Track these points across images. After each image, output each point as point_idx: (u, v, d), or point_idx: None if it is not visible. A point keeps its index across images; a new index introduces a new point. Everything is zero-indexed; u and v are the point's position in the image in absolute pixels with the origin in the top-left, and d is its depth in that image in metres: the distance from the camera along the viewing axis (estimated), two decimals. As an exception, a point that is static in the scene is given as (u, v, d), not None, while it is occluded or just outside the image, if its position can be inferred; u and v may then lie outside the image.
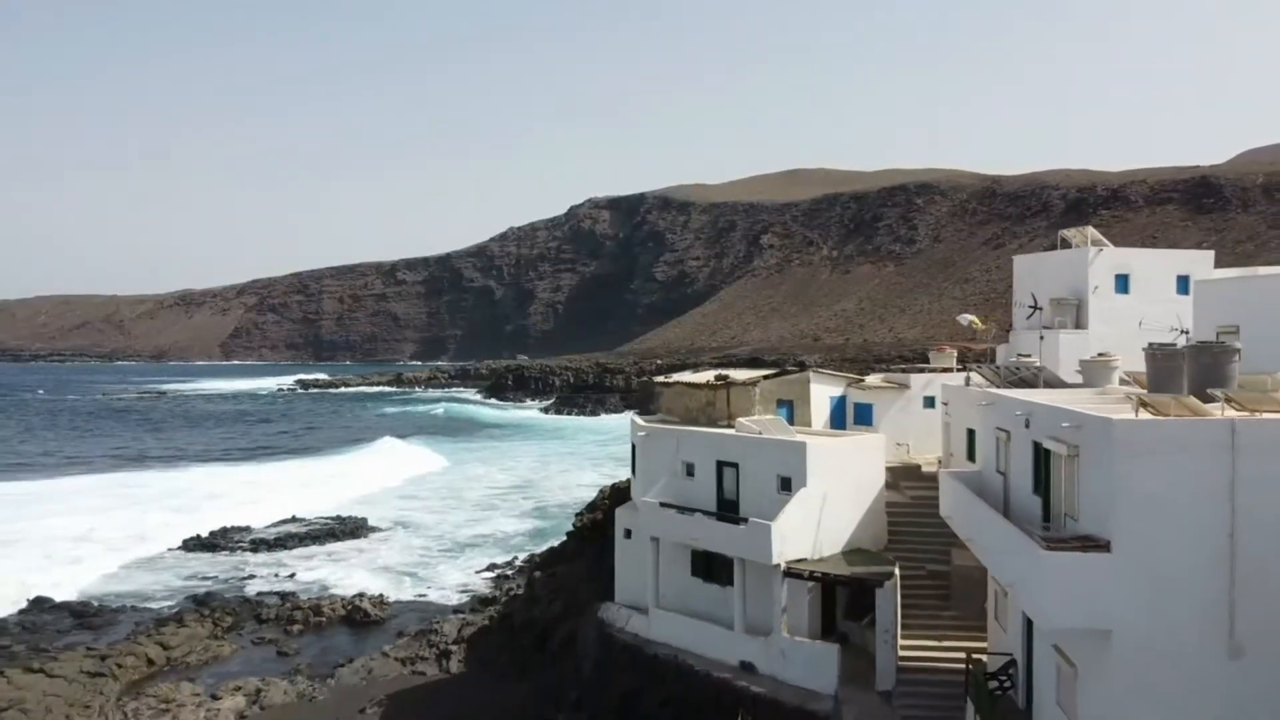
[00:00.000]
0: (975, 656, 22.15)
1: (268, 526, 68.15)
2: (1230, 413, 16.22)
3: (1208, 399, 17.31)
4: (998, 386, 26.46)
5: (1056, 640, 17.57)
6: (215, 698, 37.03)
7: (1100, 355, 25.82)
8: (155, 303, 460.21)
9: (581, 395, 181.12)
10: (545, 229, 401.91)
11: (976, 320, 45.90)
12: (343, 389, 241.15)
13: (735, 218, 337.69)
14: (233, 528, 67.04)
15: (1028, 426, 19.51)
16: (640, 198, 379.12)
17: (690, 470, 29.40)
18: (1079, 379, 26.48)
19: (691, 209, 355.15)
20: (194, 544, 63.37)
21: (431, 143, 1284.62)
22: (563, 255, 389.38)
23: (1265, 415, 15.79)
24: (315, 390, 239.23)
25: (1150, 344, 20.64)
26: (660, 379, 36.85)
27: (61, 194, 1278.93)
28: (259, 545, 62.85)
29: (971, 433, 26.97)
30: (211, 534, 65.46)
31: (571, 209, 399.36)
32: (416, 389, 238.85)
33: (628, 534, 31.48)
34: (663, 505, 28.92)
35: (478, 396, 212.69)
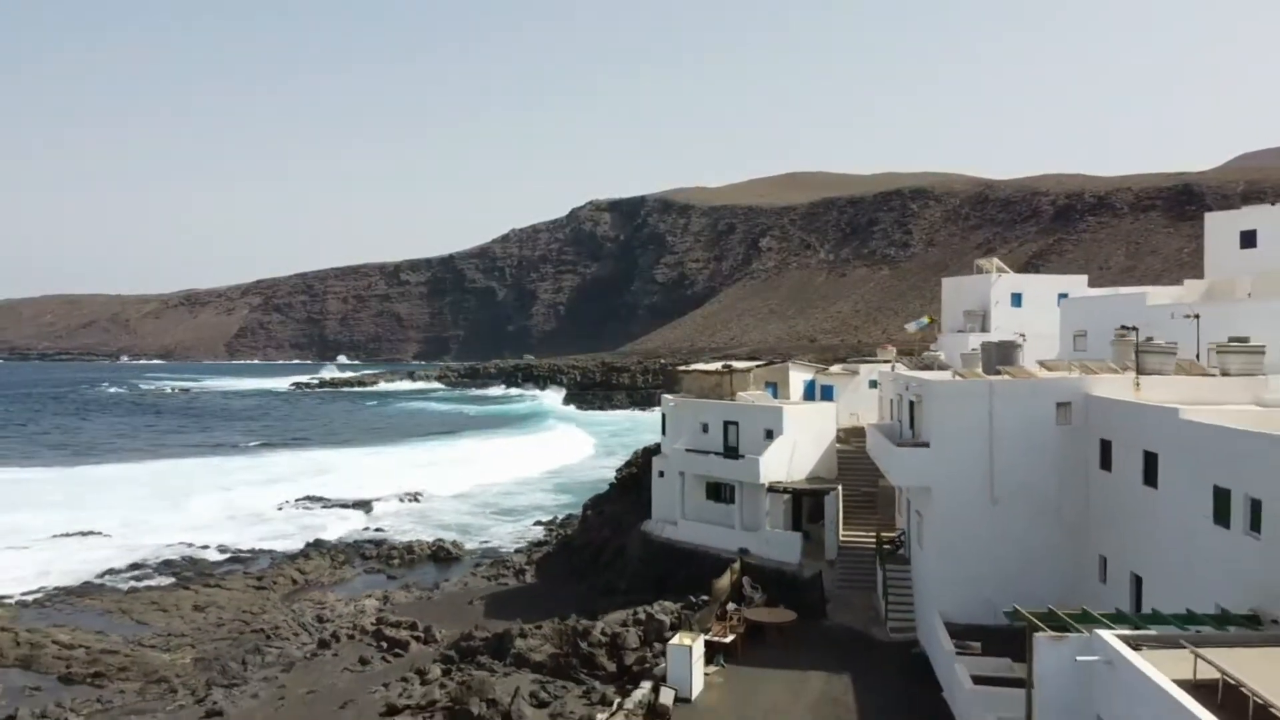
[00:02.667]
0: (882, 535, 37.10)
1: (348, 494, 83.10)
2: (1005, 378, 31.00)
3: (998, 372, 32.17)
4: (911, 371, 41.31)
5: (917, 507, 32.47)
6: (355, 600, 51.73)
7: (974, 350, 40.62)
8: (160, 302, 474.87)
9: (588, 393, 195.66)
10: (547, 231, 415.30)
11: (928, 319, 60.98)
12: (374, 387, 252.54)
13: (734, 220, 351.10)
14: (316, 496, 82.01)
15: (907, 390, 34.35)
16: (641, 200, 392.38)
17: (705, 428, 44.17)
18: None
19: (691, 212, 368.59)
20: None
21: (434, 144, 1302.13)
22: (564, 257, 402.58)
23: (1014, 378, 30.57)
24: (328, 389, 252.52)
25: (982, 343, 35.55)
26: (682, 368, 51.78)
27: (65, 194, 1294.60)
28: (345, 505, 77.88)
29: (892, 401, 41.72)
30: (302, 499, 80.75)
31: (573, 211, 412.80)
32: (435, 385, 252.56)
33: (660, 474, 46.23)
34: (688, 451, 43.71)
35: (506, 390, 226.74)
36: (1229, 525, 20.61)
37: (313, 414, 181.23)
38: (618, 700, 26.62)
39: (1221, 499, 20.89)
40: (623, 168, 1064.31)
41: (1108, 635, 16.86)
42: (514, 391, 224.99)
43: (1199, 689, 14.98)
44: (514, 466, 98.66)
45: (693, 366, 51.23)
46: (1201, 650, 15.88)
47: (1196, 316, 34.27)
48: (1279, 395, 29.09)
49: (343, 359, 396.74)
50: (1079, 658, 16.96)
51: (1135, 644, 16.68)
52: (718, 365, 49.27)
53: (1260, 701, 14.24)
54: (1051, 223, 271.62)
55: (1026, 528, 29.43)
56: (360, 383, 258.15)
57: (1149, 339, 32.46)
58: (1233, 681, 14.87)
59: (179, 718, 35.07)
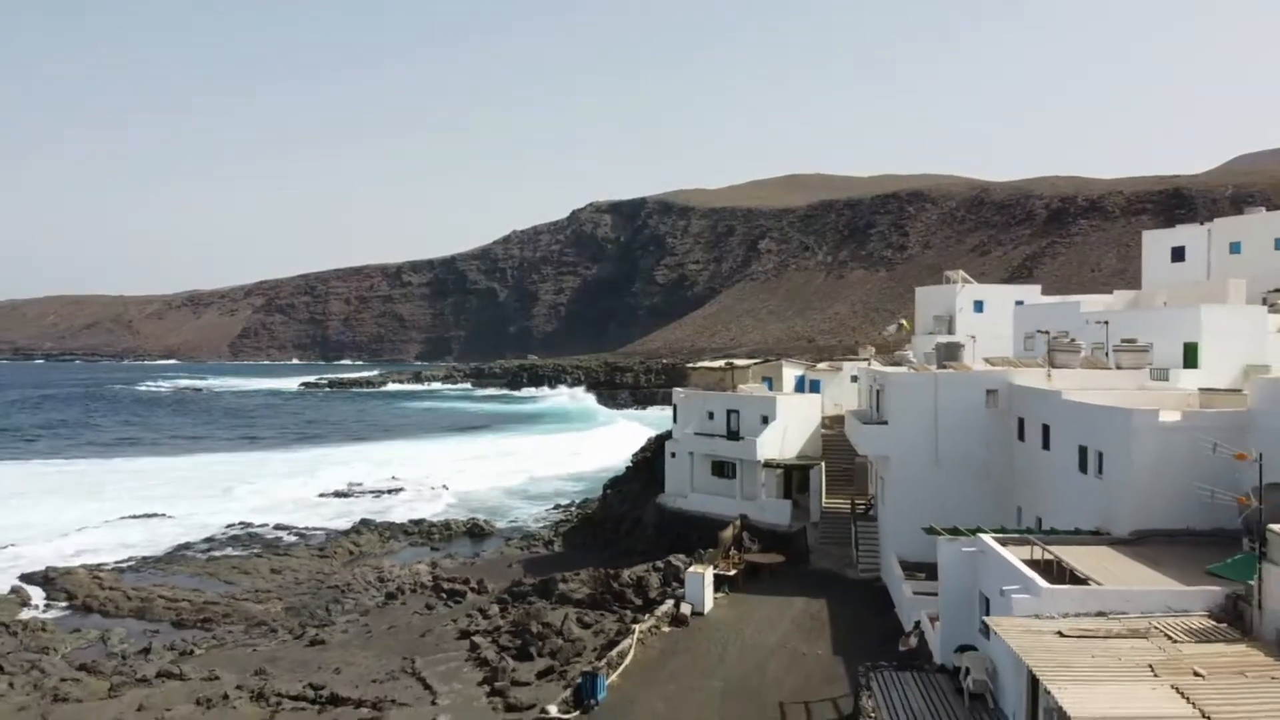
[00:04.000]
0: (856, 501, 46.09)
1: (380, 482, 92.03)
2: (948, 371, 39.94)
3: (945, 366, 41.15)
4: (880, 366, 50.22)
5: (880, 473, 41.44)
6: (407, 565, 60.57)
7: (933, 349, 49.52)
8: (163, 303, 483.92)
9: (594, 391, 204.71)
10: (548, 232, 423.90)
11: (905, 324, 70.09)
12: (384, 387, 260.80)
13: (734, 223, 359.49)
14: (355, 483, 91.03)
15: (874, 381, 43.30)
16: (641, 202, 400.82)
17: (711, 415, 53.08)
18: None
19: (691, 214, 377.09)
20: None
21: (436, 147, 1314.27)
22: (565, 258, 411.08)
23: (955, 371, 39.51)
24: (337, 389, 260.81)
25: (935, 343, 44.52)
26: (690, 365, 60.70)
27: (68, 195, 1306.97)
28: (379, 493, 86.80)
29: (866, 391, 50.64)
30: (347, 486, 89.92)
31: (574, 213, 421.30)
32: (439, 385, 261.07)
33: (673, 455, 55.11)
34: (696, 434, 52.64)
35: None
36: (1086, 472, 29.54)
37: (333, 412, 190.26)
38: (649, 615, 35.50)
39: (1082, 454, 29.83)
40: (623, 170, 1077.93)
41: (984, 536, 25.80)
42: (533, 391, 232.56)
43: (1034, 563, 23.84)
44: (598, 458, 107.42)
45: (699, 364, 60.28)
46: (1040, 544, 24.84)
47: (1106, 323, 43.19)
48: (1171, 383, 38.16)
49: (346, 360, 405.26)
50: (964, 549, 25.91)
51: (1003, 542, 25.58)
52: (721, 363, 58.24)
53: (1065, 566, 23.18)
54: (1045, 225, 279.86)
55: (963, 486, 38.28)
56: (369, 383, 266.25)
57: (1072, 339, 41.46)
58: (1052, 557, 23.80)
59: (287, 648, 43.81)
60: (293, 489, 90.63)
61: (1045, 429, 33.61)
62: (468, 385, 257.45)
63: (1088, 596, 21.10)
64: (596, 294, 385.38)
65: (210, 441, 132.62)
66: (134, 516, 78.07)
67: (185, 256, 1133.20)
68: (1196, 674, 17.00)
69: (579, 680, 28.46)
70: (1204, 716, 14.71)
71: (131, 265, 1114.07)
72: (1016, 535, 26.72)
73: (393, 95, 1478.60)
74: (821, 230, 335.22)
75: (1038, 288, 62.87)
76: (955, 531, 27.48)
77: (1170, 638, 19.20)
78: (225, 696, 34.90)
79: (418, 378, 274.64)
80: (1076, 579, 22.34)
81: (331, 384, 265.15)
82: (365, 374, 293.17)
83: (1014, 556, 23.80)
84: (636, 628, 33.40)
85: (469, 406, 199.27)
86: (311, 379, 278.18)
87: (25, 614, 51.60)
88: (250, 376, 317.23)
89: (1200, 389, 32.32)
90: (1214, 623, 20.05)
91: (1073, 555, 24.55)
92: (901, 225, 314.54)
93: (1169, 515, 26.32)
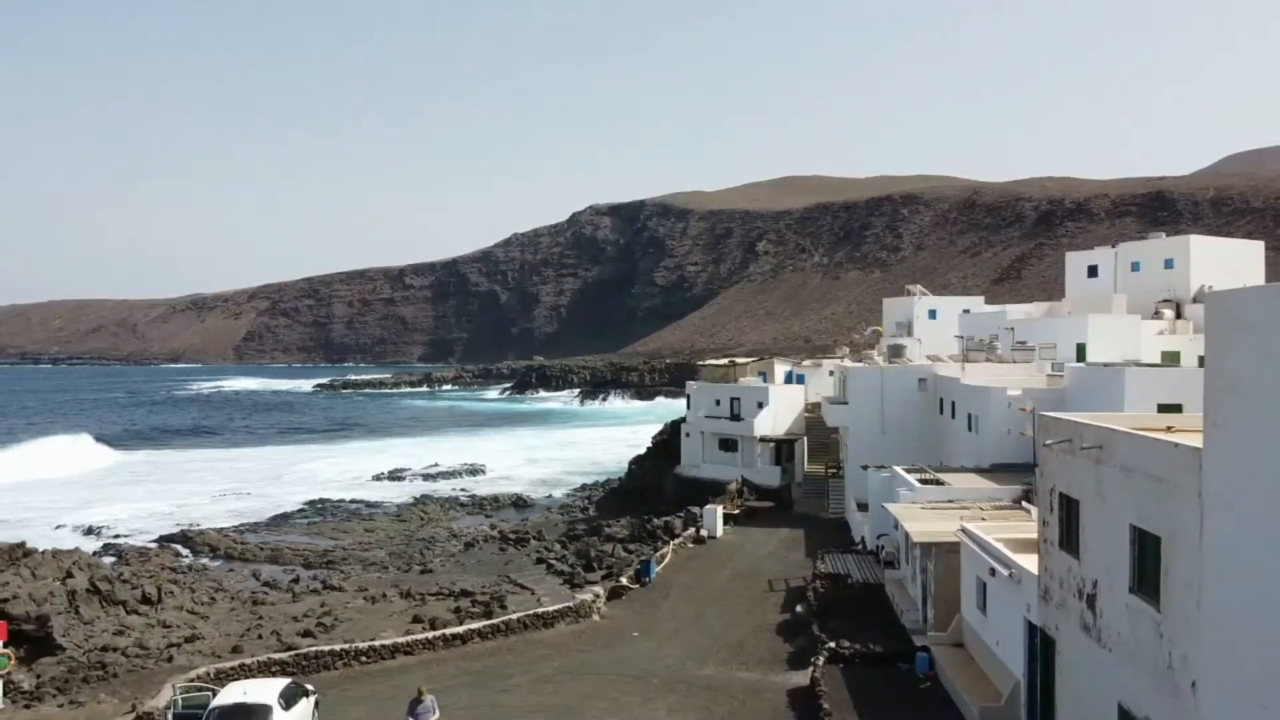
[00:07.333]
0: (829, 465, 62.44)
1: (425, 468, 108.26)
2: (893, 366, 56.21)
3: (892, 362, 57.46)
4: (850, 363, 66.52)
5: (844, 440, 57.79)
6: (471, 526, 76.67)
7: (888, 349, 65.83)
8: (167, 307, 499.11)
9: (600, 390, 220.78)
10: (548, 235, 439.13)
11: (878, 329, 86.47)
12: (398, 389, 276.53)
13: (732, 225, 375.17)
14: (403, 468, 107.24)
15: (841, 373, 59.55)
16: (640, 204, 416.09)
17: (718, 402, 69.32)
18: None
19: (690, 216, 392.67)
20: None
21: (438, 150, 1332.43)
22: (565, 260, 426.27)
23: (898, 366, 55.76)
24: (351, 389, 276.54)
25: (888, 345, 60.90)
26: (700, 363, 76.90)
27: (70, 197, 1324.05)
28: (428, 476, 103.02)
29: (837, 380, 66.82)
30: (394, 470, 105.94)
31: (574, 215, 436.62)
32: (447, 386, 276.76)
33: (687, 434, 71.33)
34: (706, 417, 68.90)
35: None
36: (970, 430, 45.78)
37: (357, 410, 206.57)
38: (679, 536, 51.71)
39: (969, 419, 46.08)
40: (622, 173, 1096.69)
41: (895, 467, 42.04)
42: (543, 392, 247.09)
43: (924, 480, 39.98)
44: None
45: (707, 362, 76.64)
46: (930, 470, 41.08)
47: (1011, 329, 59.50)
48: (1056, 372, 54.30)
49: (349, 363, 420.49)
50: (883, 475, 42.15)
51: (907, 471, 41.78)
52: (725, 361, 74.63)
53: (940, 481, 39.40)
54: (1034, 228, 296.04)
55: (902, 448, 54.32)
56: (382, 384, 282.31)
57: (990, 342, 57.81)
58: (933, 477, 40.02)
59: (404, 576, 59.80)
60: (351, 473, 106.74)
61: (953, 404, 49.87)
62: (501, 387, 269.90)
63: (943, 491, 37.35)
64: (597, 296, 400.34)
65: (263, 434, 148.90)
66: (223, 494, 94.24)
67: (189, 260, 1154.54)
68: (982, 519, 33.20)
69: (638, 566, 44.64)
70: (962, 526, 30.77)
71: (135, 269, 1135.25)
72: (916, 468, 42.95)
73: (393, 99, 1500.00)
74: (818, 232, 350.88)
75: (980, 298, 79.10)
76: (880, 467, 43.78)
77: (981, 508, 35.41)
78: (384, 595, 51.09)
79: (428, 379, 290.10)
80: (941, 484, 38.60)
81: (346, 385, 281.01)
82: (378, 375, 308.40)
83: (910, 476, 40.06)
84: (672, 542, 49.64)
85: (494, 407, 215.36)
86: (324, 381, 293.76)
87: (184, 561, 67.62)
88: (261, 378, 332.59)
89: (1048, 374, 48.59)
90: (1012, 503, 36.29)
91: (949, 476, 40.79)
92: (896, 227, 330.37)
93: (1013, 454, 42.50)
